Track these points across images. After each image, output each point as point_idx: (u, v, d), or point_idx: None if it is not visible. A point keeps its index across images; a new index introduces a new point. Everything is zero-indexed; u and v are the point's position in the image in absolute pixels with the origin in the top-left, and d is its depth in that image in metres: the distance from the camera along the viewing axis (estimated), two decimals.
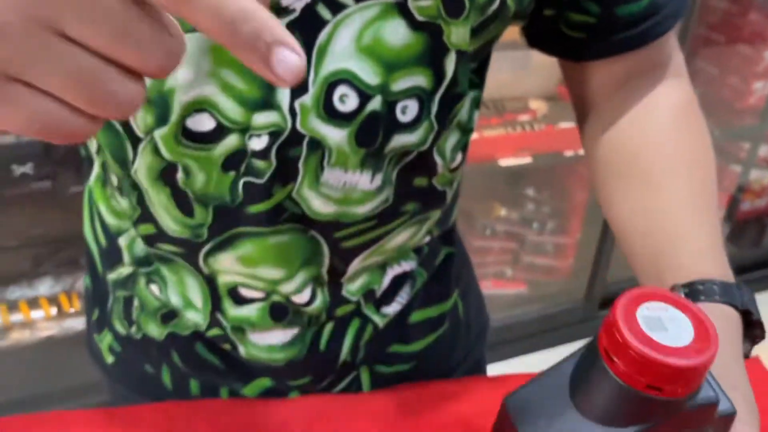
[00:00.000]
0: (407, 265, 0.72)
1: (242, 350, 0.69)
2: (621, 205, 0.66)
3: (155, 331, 0.71)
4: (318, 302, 0.66)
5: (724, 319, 0.54)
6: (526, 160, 1.81)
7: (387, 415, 0.70)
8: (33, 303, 1.73)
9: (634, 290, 0.40)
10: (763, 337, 0.56)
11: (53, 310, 1.72)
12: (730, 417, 0.41)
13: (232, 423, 0.69)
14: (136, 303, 0.72)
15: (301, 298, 0.65)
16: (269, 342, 0.68)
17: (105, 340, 0.78)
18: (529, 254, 2.10)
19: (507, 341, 2.05)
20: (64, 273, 1.80)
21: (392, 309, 0.73)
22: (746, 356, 0.56)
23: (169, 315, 0.70)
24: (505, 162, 1.80)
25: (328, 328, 0.70)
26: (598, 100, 0.69)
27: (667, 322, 0.38)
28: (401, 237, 0.68)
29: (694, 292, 0.55)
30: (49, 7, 0.27)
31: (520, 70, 1.86)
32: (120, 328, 0.74)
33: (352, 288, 0.69)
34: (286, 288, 0.64)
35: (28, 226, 1.57)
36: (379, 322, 0.73)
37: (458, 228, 0.92)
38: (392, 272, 0.71)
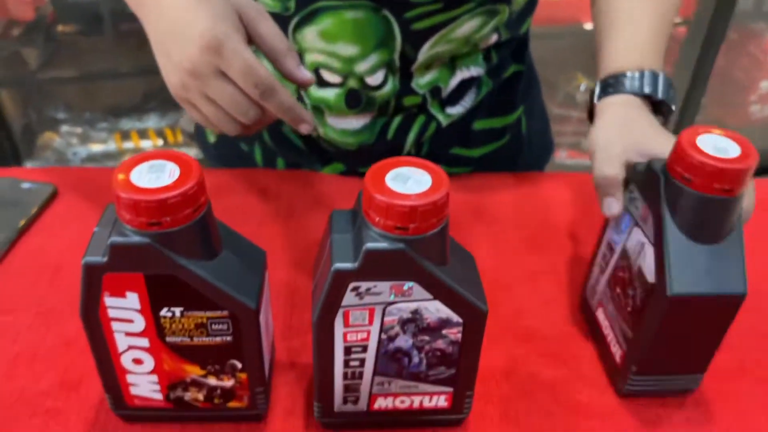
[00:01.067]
0: (475, 71, 0.80)
1: (321, 130, 0.80)
2: (595, 5, 0.75)
3: None
4: (388, 87, 0.76)
5: (626, 105, 0.64)
6: None
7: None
8: (142, 133, 1.92)
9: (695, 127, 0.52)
10: (670, 113, 0.66)
11: (160, 141, 1.90)
12: None
13: (311, 187, 0.82)
14: None
15: (374, 79, 0.75)
16: (344, 126, 0.79)
17: None
18: None
19: None
20: (169, 110, 1.97)
21: (456, 110, 0.82)
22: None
23: None
24: (590, 25, 1.79)
25: (397, 120, 0.80)
26: None
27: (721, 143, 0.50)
28: (468, 26, 0.74)
29: (605, 86, 0.67)
30: (219, 62, 0.54)
31: None
32: None
33: (420, 81, 0.77)
34: (361, 67, 0.74)
35: (140, 56, 1.73)
36: (443, 120, 0.82)
37: (548, 101, 0.98)
38: (460, 74, 0.79)
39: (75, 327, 0.61)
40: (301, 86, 0.60)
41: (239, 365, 0.50)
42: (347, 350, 0.48)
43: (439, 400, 0.52)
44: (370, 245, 0.43)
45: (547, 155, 1.00)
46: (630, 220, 0.56)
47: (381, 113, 0.79)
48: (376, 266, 0.44)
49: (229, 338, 0.48)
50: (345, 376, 0.50)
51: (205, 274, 0.45)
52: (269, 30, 0.58)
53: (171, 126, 1.94)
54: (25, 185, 0.77)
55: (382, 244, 0.43)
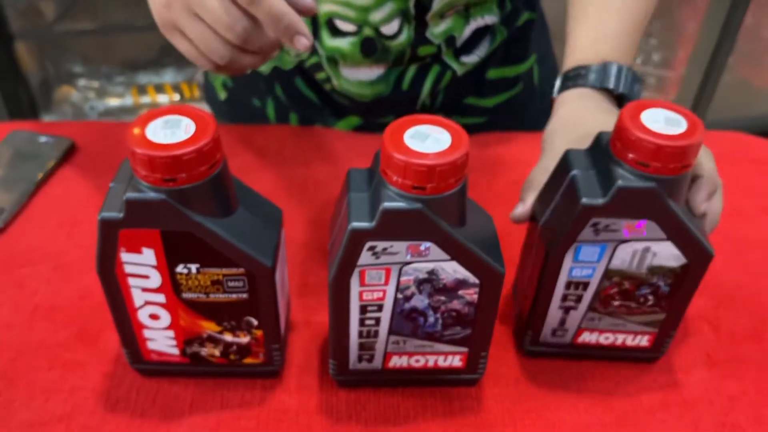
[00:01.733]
0: (489, 19, 0.79)
1: (335, 82, 0.79)
2: None
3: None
4: (404, 36, 0.75)
5: (583, 98, 0.61)
6: None
7: None
8: (159, 88, 1.91)
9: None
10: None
11: (176, 96, 1.90)
12: None
13: (327, 144, 0.81)
14: None
15: (389, 29, 0.74)
16: (359, 77, 0.78)
17: (219, 77, 0.90)
18: None
19: None
20: (185, 65, 1.96)
21: (471, 59, 0.81)
22: None
23: None
24: None
25: (412, 69, 0.79)
26: None
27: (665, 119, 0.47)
28: None
29: (565, 79, 0.64)
30: None
31: None
32: None
33: (435, 31, 0.76)
34: (376, 16, 0.72)
35: None
36: (458, 69, 0.81)
37: (558, 52, 0.97)
38: (474, 23, 0.78)
39: (93, 280, 0.61)
40: (303, 14, 0.57)
41: (255, 322, 0.50)
42: (363, 309, 0.48)
43: (453, 359, 0.53)
44: (387, 205, 0.43)
45: None
46: (605, 246, 0.51)
47: (396, 63, 0.78)
48: (393, 226, 0.44)
49: (245, 295, 0.48)
50: (360, 334, 0.50)
51: (221, 231, 0.45)
52: None
53: (187, 81, 1.93)
54: (43, 139, 0.77)
55: (400, 204, 0.43)
